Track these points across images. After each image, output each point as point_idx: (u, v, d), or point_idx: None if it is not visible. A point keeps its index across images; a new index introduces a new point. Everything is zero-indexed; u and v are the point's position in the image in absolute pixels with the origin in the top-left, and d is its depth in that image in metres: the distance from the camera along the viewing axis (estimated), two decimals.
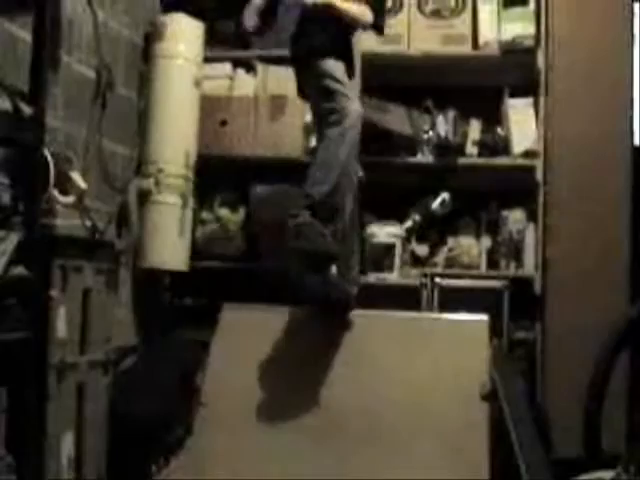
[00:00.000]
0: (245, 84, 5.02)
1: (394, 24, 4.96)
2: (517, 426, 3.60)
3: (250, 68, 5.03)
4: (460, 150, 5.00)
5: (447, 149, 4.98)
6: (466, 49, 4.95)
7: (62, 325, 3.22)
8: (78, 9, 3.98)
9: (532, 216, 4.88)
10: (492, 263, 5.02)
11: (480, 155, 5.01)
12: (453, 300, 4.62)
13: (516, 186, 4.89)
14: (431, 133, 5.03)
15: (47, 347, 3.15)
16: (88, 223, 3.38)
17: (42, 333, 3.10)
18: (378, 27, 4.15)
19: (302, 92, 4.09)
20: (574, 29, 4.81)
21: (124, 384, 3.80)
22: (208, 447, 3.64)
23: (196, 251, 4.85)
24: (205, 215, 5.04)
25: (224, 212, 5.03)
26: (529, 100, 4.95)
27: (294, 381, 3.82)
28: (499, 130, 5.02)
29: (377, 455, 3.61)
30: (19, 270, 2.96)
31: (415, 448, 3.59)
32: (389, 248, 4.83)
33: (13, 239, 2.89)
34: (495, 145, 4.99)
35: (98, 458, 3.49)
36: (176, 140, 4.64)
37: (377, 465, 3.59)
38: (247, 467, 3.58)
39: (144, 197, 4.53)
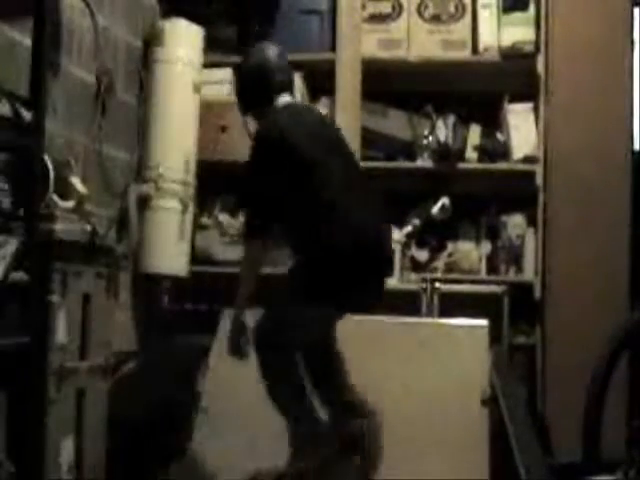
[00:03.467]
0: None
1: (393, 29, 4.98)
2: (517, 430, 3.61)
3: None
4: (460, 155, 5.00)
5: (447, 154, 4.98)
6: (466, 54, 4.95)
7: (62, 330, 3.21)
8: (78, 14, 3.99)
9: (532, 221, 4.88)
10: (492, 268, 5.02)
11: (480, 160, 5.01)
12: (453, 305, 4.61)
13: (516, 191, 4.90)
14: (431, 138, 5.02)
15: (47, 352, 3.14)
16: (88, 228, 3.37)
17: (42, 338, 3.09)
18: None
19: None
20: (574, 34, 4.81)
21: (124, 389, 3.80)
22: (208, 451, 3.65)
23: (196, 256, 4.85)
24: (205, 220, 5.03)
25: (224, 217, 5.03)
26: (529, 105, 4.95)
27: None
28: (499, 135, 5.02)
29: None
30: (19, 275, 2.95)
31: (416, 451, 3.60)
32: None
33: (13, 244, 2.89)
34: (495, 150, 4.99)
35: (98, 463, 3.48)
36: (176, 145, 4.64)
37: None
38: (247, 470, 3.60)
39: (144, 202, 4.53)
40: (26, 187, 3.04)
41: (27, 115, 2.98)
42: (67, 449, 3.26)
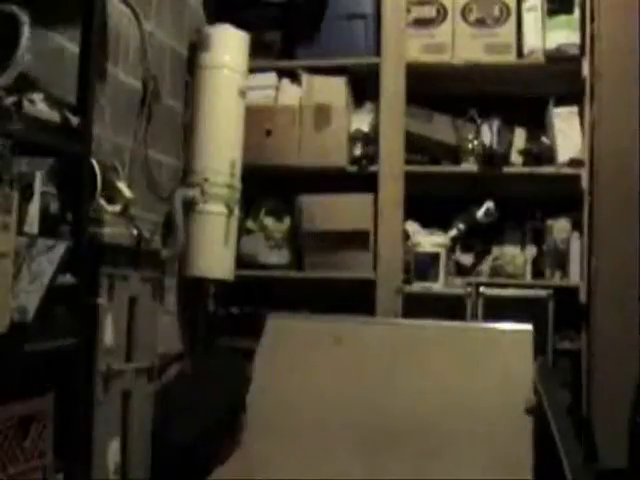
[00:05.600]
0: (290, 94, 5.04)
1: (438, 33, 4.98)
2: (562, 439, 3.58)
3: (295, 78, 5.05)
4: (505, 159, 4.98)
5: (492, 158, 4.96)
6: (511, 58, 4.93)
7: (109, 333, 3.25)
8: (124, 20, 4.03)
9: (577, 225, 4.85)
10: (537, 272, 5.01)
11: (525, 164, 4.99)
12: (498, 309, 4.60)
13: (561, 195, 4.87)
14: (476, 142, 5.01)
15: (94, 354, 3.18)
16: (134, 232, 3.41)
17: (89, 340, 3.13)
18: None
19: None
20: (620, 35, 4.77)
21: (170, 392, 3.82)
22: (254, 457, 3.67)
23: (241, 260, 4.87)
24: (250, 224, 5.06)
25: (269, 221, 5.05)
26: (574, 109, 4.92)
27: (340, 390, 3.83)
28: (544, 139, 4.99)
29: (423, 461, 3.63)
30: (67, 278, 2.99)
31: (460, 455, 3.60)
32: (434, 257, 4.83)
33: (61, 247, 2.92)
34: (540, 154, 4.97)
35: (144, 465, 3.52)
36: (222, 150, 4.66)
37: (424, 471, 3.61)
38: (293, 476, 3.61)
39: (190, 206, 4.55)
40: (74, 191, 3.08)
41: (75, 121, 3.01)
42: (113, 449, 3.30)
